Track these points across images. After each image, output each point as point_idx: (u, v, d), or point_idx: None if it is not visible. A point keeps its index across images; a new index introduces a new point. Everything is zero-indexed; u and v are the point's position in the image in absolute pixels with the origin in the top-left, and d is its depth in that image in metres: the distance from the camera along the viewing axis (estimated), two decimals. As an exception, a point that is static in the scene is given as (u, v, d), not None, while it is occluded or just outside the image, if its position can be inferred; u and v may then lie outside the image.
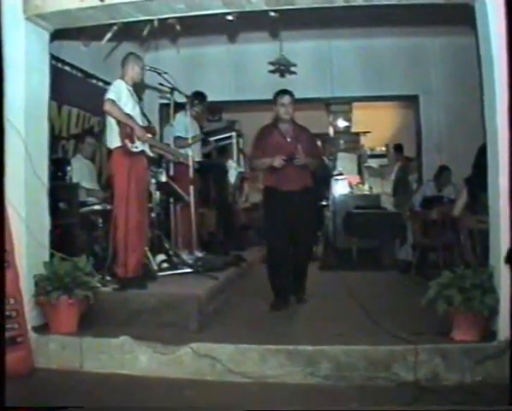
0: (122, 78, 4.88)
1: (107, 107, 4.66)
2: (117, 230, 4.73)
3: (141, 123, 4.91)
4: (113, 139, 4.76)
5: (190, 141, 6.14)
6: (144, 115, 5.08)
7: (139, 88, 5.26)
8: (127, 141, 4.69)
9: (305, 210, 5.09)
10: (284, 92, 5.12)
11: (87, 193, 5.98)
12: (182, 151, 6.12)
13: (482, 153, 4.29)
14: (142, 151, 4.88)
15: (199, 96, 6.65)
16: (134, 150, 4.75)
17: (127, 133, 4.69)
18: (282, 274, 5.09)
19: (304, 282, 5.29)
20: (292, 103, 5.06)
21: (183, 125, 6.27)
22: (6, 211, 3.87)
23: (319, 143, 9.83)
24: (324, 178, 9.69)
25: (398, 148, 9.58)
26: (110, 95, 4.68)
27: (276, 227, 5.08)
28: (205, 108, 6.89)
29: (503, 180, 3.48)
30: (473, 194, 5.20)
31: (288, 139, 5.08)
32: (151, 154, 5.15)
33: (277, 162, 4.92)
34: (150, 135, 4.99)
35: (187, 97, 6.25)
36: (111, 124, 4.76)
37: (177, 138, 6.29)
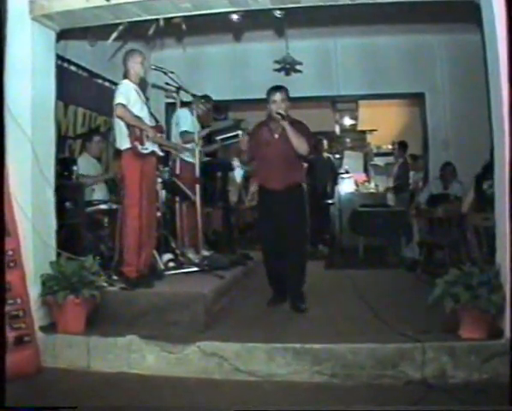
0: (127, 77, 4.86)
1: (118, 112, 4.64)
2: (125, 230, 4.74)
3: (149, 123, 4.90)
4: (122, 140, 4.74)
5: (197, 136, 6.10)
6: (151, 114, 5.07)
7: (143, 85, 5.24)
8: (136, 143, 4.68)
9: (292, 208, 4.89)
10: (275, 88, 4.90)
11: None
12: (189, 146, 6.10)
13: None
14: (152, 152, 4.88)
15: (205, 98, 6.58)
16: (144, 152, 4.75)
17: (136, 135, 4.69)
18: (275, 272, 5.07)
19: (299, 288, 4.94)
20: (284, 99, 4.83)
21: (186, 120, 6.20)
22: (13, 212, 3.91)
23: (324, 142, 9.96)
24: (330, 176, 9.74)
25: (401, 145, 9.54)
26: (119, 99, 4.65)
27: (265, 225, 5.08)
28: (210, 109, 6.76)
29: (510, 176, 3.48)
30: (480, 191, 5.18)
31: (276, 136, 4.91)
32: (161, 154, 5.14)
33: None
34: (159, 135, 4.98)
35: (193, 96, 6.23)
36: (120, 125, 4.73)
37: (184, 132, 6.18)
